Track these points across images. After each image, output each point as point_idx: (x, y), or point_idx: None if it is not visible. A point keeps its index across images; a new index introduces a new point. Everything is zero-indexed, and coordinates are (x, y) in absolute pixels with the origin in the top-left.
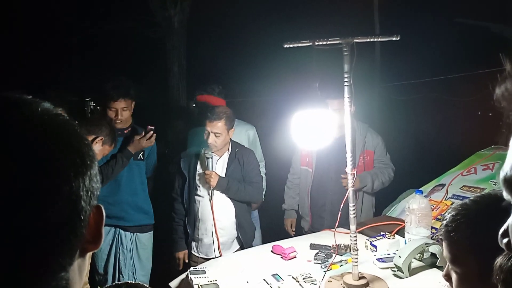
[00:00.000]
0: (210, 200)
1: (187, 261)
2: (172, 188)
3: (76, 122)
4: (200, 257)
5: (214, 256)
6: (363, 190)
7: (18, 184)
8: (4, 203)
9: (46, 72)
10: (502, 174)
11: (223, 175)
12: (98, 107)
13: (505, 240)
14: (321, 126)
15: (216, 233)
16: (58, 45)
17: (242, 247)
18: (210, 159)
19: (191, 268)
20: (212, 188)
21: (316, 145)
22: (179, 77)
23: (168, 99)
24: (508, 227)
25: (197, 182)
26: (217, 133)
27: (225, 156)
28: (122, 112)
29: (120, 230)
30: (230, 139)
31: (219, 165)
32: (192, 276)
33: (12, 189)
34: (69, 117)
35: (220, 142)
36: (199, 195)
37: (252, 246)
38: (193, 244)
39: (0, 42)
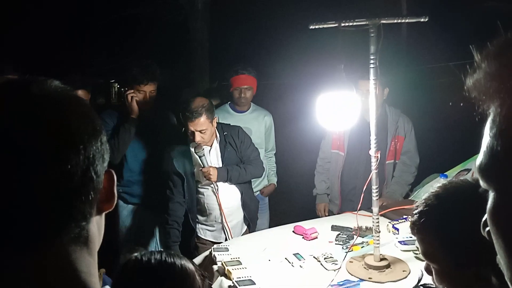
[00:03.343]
0: (216, 193)
1: None
2: (167, 187)
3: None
4: (208, 240)
5: (223, 240)
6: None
7: (45, 144)
8: (34, 159)
9: (72, 55)
10: (477, 163)
11: (220, 163)
12: (122, 89)
13: (486, 229)
14: (346, 107)
15: (225, 221)
16: (83, 29)
17: (248, 226)
18: (203, 157)
19: (215, 246)
20: (214, 182)
21: (341, 127)
22: (202, 59)
23: (191, 81)
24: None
25: (197, 178)
26: (202, 130)
27: (216, 144)
28: (151, 95)
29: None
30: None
31: (212, 155)
32: (215, 253)
33: (39, 147)
34: (95, 98)
35: (207, 136)
36: (203, 188)
37: (257, 221)
38: (201, 227)
39: (26, 27)
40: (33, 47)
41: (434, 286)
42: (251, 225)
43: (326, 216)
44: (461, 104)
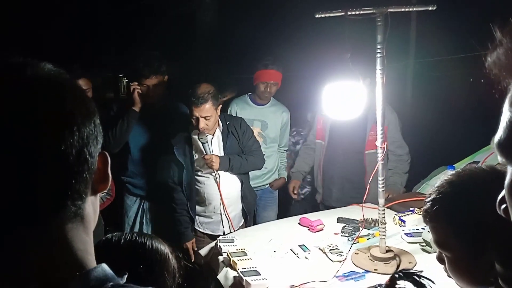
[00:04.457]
0: (217, 182)
1: (196, 248)
2: (168, 177)
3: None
4: (206, 233)
5: (222, 233)
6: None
7: (40, 125)
8: (30, 139)
9: (79, 48)
10: (496, 139)
11: (221, 152)
12: (130, 83)
13: (503, 207)
14: (351, 97)
15: (226, 212)
16: (92, 22)
17: (246, 218)
18: (206, 143)
19: (220, 237)
20: (215, 170)
21: (347, 117)
22: (210, 52)
23: (200, 74)
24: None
25: (197, 167)
26: (207, 116)
27: (218, 133)
28: (154, 88)
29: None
30: None
31: (214, 144)
32: (221, 244)
33: (34, 128)
34: (104, 92)
35: (211, 123)
36: (203, 176)
37: (254, 214)
38: (199, 220)
39: (34, 19)
40: (42, 39)
41: (414, 270)
42: (248, 218)
43: (295, 194)
44: (470, 97)
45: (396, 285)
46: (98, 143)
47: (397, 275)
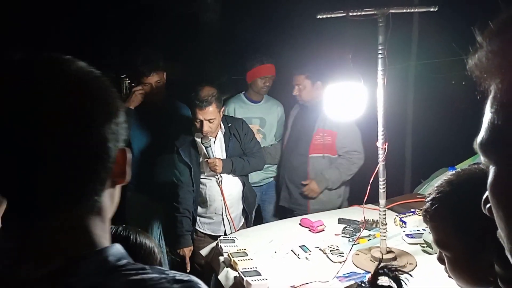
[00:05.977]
0: (219, 184)
1: (187, 261)
2: (174, 175)
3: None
4: (207, 234)
5: (223, 234)
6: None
7: (59, 126)
8: (50, 139)
9: (80, 47)
10: (478, 139)
11: (224, 154)
12: (132, 84)
13: (487, 206)
14: (350, 98)
15: (228, 213)
16: (93, 21)
17: (246, 218)
18: (209, 148)
19: (221, 237)
20: (218, 173)
21: (347, 118)
22: (213, 52)
23: (201, 75)
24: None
25: (201, 169)
26: (210, 119)
27: (220, 135)
28: (157, 85)
29: None
30: None
31: (217, 146)
32: (222, 245)
33: (55, 130)
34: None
35: (215, 126)
36: (206, 178)
37: (253, 213)
38: (199, 220)
39: (36, 20)
40: (43, 40)
41: (395, 266)
42: (249, 217)
43: None
44: (471, 99)
45: (378, 281)
46: (118, 141)
47: (379, 271)
